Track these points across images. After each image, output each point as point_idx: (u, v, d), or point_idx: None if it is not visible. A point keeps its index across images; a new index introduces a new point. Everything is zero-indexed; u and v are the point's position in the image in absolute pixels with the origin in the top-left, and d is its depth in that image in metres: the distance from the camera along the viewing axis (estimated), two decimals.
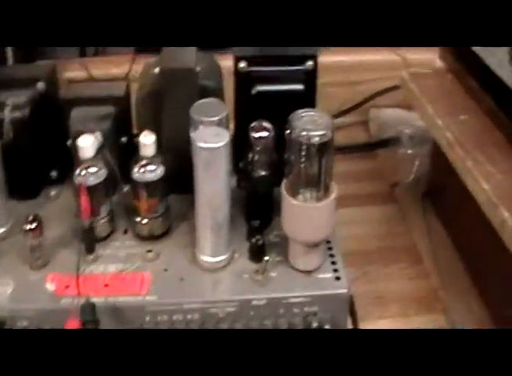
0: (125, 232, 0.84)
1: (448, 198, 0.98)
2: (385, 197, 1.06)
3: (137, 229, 0.82)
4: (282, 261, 0.78)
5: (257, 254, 0.77)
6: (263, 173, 0.80)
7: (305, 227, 0.73)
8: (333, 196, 0.72)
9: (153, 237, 0.82)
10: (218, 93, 0.85)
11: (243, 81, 0.85)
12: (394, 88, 1.15)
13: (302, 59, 0.84)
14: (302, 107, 0.74)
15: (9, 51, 1.19)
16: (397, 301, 0.88)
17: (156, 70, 0.83)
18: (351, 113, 1.22)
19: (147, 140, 0.79)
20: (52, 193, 0.90)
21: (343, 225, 0.89)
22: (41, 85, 0.88)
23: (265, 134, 0.79)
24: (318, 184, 0.71)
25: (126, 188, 0.83)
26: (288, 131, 0.72)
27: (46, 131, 0.89)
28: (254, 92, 0.84)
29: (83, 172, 0.80)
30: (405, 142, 1.09)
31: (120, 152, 0.86)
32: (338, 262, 0.79)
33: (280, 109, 0.75)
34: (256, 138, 0.79)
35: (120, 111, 0.88)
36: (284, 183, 0.73)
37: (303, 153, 0.70)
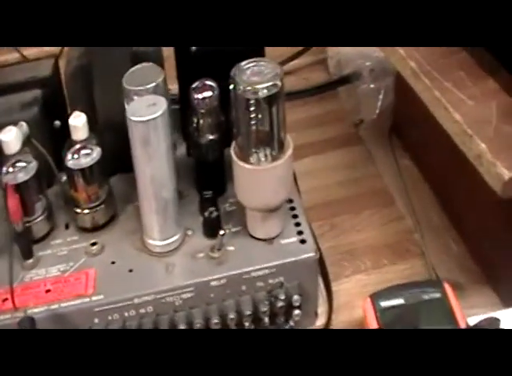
0: (67, 227, 0.77)
1: (416, 132, 0.92)
2: (350, 139, 0.99)
3: (79, 221, 0.75)
4: (240, 231, 0.72)
5: (211, 228, 0.71)
6: (211, 137, 0.74)
7: (261, 192, 0.67)
8: (288, 152, 0.66)
9: (97, 228, 0.75)
10: (155, 56, 0.76)
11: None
12: None
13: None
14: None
15: None
16: (370, 252, 0.83)
17: None
18: (306, 53, 1.12)
19: (77, 122, 0.72)
20: None
21: (305, 176, 0.84)
22: None
23: (208, 94, 0.72)
24: (271, 142, 0.65)
25: (63, 177, 0.76)
26: (232, 87, 0.65)
27: None
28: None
29: (10, 169, 0.72)
30: (367, 76, 1.02)
31: (55, 137, 0.78)
32: (302, 223, 0.73)
33: (224, 63, 0.67)
34: (199, 99, 0.72)
35: (48, 93, 0.79)
36: (233, 146, 0.67)
37: (251, 110, 0.63)
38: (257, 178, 0.66)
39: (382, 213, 0.87)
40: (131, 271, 0.70)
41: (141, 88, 0.69)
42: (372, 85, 1.01)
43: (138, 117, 0.65)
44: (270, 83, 0.63)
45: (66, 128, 0.73)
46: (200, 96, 0.71)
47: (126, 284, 0.69)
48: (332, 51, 1.13)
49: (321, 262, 0.75)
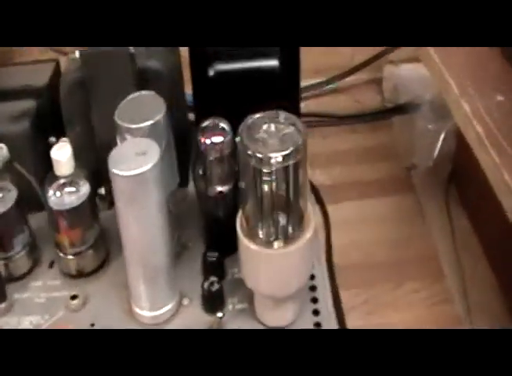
0: (51, 265, 0.66)
1: (477, 189, 0.74)
2: (400, 184, 0.82)
3: (62, 265, 0.63)
4: (245, 311, 0.59)
5: (211, 303, 0.58)
6: (220, 189, 0.59)
7: (269, 279, 0.52)
8: (308, 234, 0.51)
9: (82, 275, 0.62)
10: (167, 78, 0.63)
11: (198, 59, 0.63)
12: None
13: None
14: (278, 90, 0.58)
15: None
16: None
17: (76, 53, 0.61)
18: (360, 70, 0.97)
19: (61, 155, 0.58)
20: None
21: (343, 226, 0.72)
22: None
23: (218, 139, 0.57)
24: (287, 219, 0.50)
25: None
26: (239, 140, 0.50)
27: None
28: (211, 72, 0.62)
29: None
30: (426, 112, 0.84)
31: (49, 156, 0.66)
32: (322, 311, 0.58)
33: (246, 95, 0.60)
34: (207, 145, 0.57)
35: (43, 105, 0.68)
36: (239, 217, 0.52)
37: (258, 181, 0.48)
38: (265, 263, 0.51)
39: (428, 290, 0.71)
40: None
41: (135, 126, 0.55)
42: (430, 126, 0.82)
43: (121, 171, 0.51)
44: (287, 151, 0.47)
45: None
46: (208, 141, 0.56)
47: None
48: (388, 72, 0.95)
49: None
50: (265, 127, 0.50)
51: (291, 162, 0.48)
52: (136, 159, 0.52)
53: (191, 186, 0.67)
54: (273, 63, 0.63)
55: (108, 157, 0.52)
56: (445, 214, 0.77)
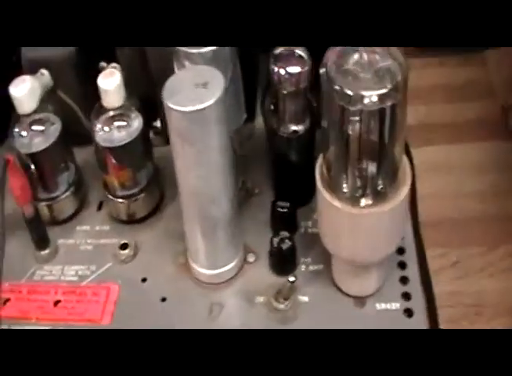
0: (100, 207, 0.58)
1: None
2: (495, 129, 0.70)
3: (111, 208, 0.56)
4: (321, 273, 0.50)
5: (280, 263, 0.49)
6: (294, 128, 0.50)
7: (353, 243, 0.43)
8: (403, 192, 0.41)
9: (133, 221, 0.55)
10: None
11: None
12: None
13: None
14: None
15: None
16: (504, 313, 0.57)
17: None
18: None
19: (109, 84, 0.50)
20: None
21: (429, 174, 0.61)
22: None
23: (295, 69, 0.47)
24: (378, 171, 0.41)
25: None
26: (323, 72, 0.40)
27: None
28: None
29: (23, 133, 0.54)
30: None
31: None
32: (412, 281, 0.49)
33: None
34: (282, 75, 0.47)
35: None
36: (319, 163, 0.43)
37: (345, 123, 0.39)
38: (350, 224, 0.42)
39: None
40: (163, 300, 0.51)
41: (195, 50, 0.46)
42: None
43: (177, 106, 0.42)
44: (385, 89, 0.37)
45: None
46: (282, 71, 0.46)
47: (152, 320, 0.50)
48: None
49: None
50: (356, 57, 0.39)
51: (388, 103, 0.37)
52: (196, 91, 0.43)
53: (258, 122, 0.58)
54: None
55: (163, 87, 0.43)
56: None
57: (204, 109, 0.42)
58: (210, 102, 0.42)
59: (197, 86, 0.43)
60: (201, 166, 0.45)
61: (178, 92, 0.43)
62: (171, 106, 0.42)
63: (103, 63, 0.59)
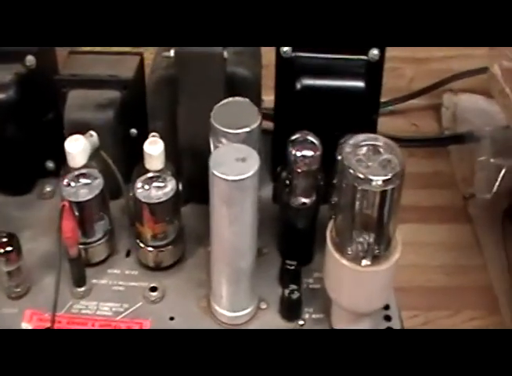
0: (128, 254, 0.67)
1: None
2: (458, 214, 0.83)
3: (140, 255, 0.65)
4: (322, 321, 0.60)
5: (290, 311, 0.60)
6: (304, 201, 0.61)
7: (353, 294, 0.54)
8: (396, 256, 0.53)
9: (159, 268, 0.64)
10: (252, 86, 0.65)
11: (286, 70, 0.65)
12: (480, 71, 0.90)
13: (365, 46, 0.63)
14: (360, 110, 0.61)
15: None
16: None
17: (171, 52, 0.62)
18: (420, 96, 0.97)
19: (153, 150, 0.60)
20: (47, 188, 0.73)
21: (404, 247, 0.69)
22: (30, 60, 0.69)
23: (308, 153, 0.59)
24: (377, 239, 0.52)
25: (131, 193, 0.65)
26: (340, 157, 0.52)
27: (38, 114, 0.71)
28: (298, 86, 0.63)
29: (72, 184, 0.62)
30: (486, 145, 0.84)
31: (129, 146, 0.68)
32: (395, 328, 0.60)
33: (331, 111, 0.63)
34: (297, 157, 0.59)
35: (128, 97, 0.69)
36: (330, 230, 0.54)
37: (358, 202, 0.50)
38: (352, 278, 0.53)
39: (484, 320, 0.72)
40: None
41: (232, 131, 0.56)
42: (492, 160, 0.83)
43: (223, 175, 0.52)
44: (388, 176, 0.49)
45: (141, 138, 0.62)
46: (298, 154, 0.58)
47: None
48: (447, 100, 0.95)
49: None
50: (364, 149, 0.51)
51: (390, 187, 0.49)
52: (236, 164, 0.53)
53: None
54: (359, 84, 0.64)
55: (209, 159, 0.54)
56: (500, 249, 0.78)
57: (244, 179, 0.53)
58: (250, 174, 0.53)
59: (237, 160, 0.54)
60: (236, 225, 0.55)
61: (223, 164, 0.53)
62: (218, 174, 0.53)
63: (134, 131, 0.70)
